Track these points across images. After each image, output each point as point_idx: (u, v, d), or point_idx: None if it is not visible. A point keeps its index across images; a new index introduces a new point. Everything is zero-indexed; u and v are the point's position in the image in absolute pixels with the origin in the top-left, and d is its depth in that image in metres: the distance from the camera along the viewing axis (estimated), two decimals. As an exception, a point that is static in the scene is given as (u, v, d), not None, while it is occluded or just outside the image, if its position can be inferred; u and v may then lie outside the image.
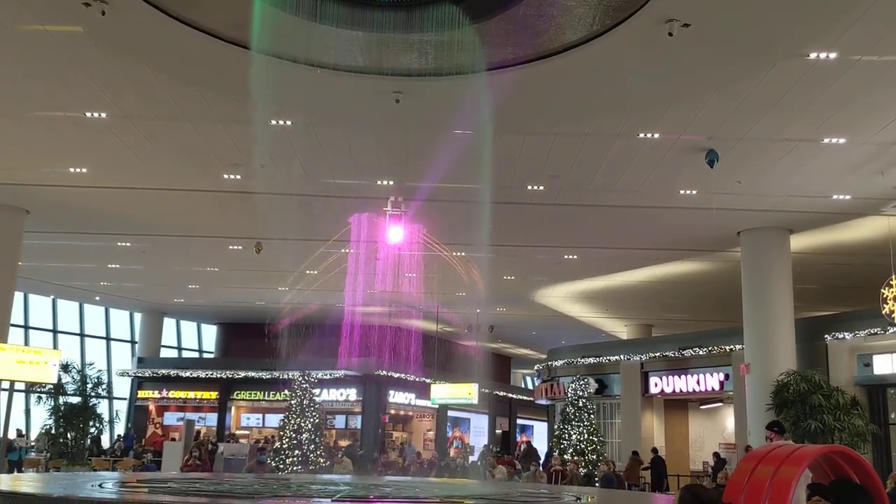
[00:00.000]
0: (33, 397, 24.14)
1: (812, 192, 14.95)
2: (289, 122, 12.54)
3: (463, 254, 20.70)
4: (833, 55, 9.79)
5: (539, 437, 38.85)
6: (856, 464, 4.00)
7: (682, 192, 15.11)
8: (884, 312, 14.62)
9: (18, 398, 25.96)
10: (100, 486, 6.96)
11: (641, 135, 12.58)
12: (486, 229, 18.14)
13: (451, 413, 33.56)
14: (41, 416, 23.52)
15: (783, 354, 16.98)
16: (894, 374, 17.79)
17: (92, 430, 23.25)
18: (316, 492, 7.77)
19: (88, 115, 12.38)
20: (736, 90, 10.96)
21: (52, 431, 21.78)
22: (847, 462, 3.99)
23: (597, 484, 16.47)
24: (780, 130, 12.23)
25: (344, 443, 26.27)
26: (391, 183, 15.15)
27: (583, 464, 19.35)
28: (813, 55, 9.81)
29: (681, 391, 23.14)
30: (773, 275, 17.25)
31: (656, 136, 12.59)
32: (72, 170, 14.93)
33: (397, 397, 30.99)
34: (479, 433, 35.26)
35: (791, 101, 11.25)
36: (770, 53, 9.92)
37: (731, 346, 20.59)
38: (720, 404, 23.92)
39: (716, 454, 20.78)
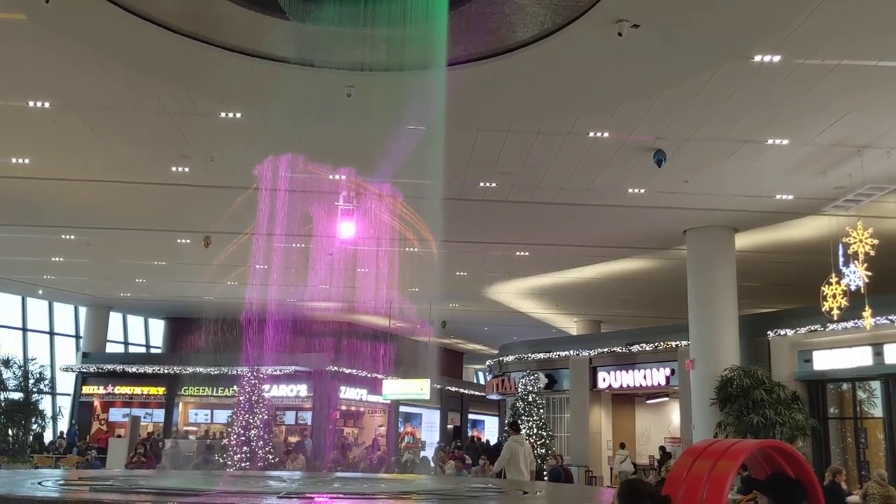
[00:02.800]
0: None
1: (756, 191, 15.30)
2: (238, 115, 12.40)
3: (416, 249, 20.72)
4: (777, 58, 10.02)
5: (490, 431, 39.11)
6: (791, 458, 4.11)
7: (630, 190, 15.33)
8: (823, 310, 15.01)
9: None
10: (40, 483, 6.82)
11: (592, 133, 12.73)
12: (439, 225, 18.19)
13: (402, 409, 33.57)
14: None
15: (727, 350, 17.36)
16: (833, 370, 18.30)
17: (34, 426, 22.75)
18: (263, 488, 7.72)
19: (31, 104, 12.07)
20: (683, 91, 11.15)
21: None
22: (782, 457, 4.11)
23: (545, 478, 16.65)
24: (725, 131, 12.48)
25: (294, 438, 26.07)
26: (343, 178, 15.08)
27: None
28: (758, 58, 10.03)
29: (628, 386, 23.50)
30: (717, 272, 17.61)
31: (606, 135, 12.75)
32: (14, 160, 14.56)
33: (349, 393, 30.88)
34: (430, 428, 35.37)
35: (736, 103, 11.49)
36: (716, 55, 10.11)
37: (677, 342, 20.96)
38: (666, 399, 24.36)
39: (661, 448, 21.18)
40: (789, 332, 18.68)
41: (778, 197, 15.58)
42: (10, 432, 21.47)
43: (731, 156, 13.48)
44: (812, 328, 18.02)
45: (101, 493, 6.29)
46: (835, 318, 15.11)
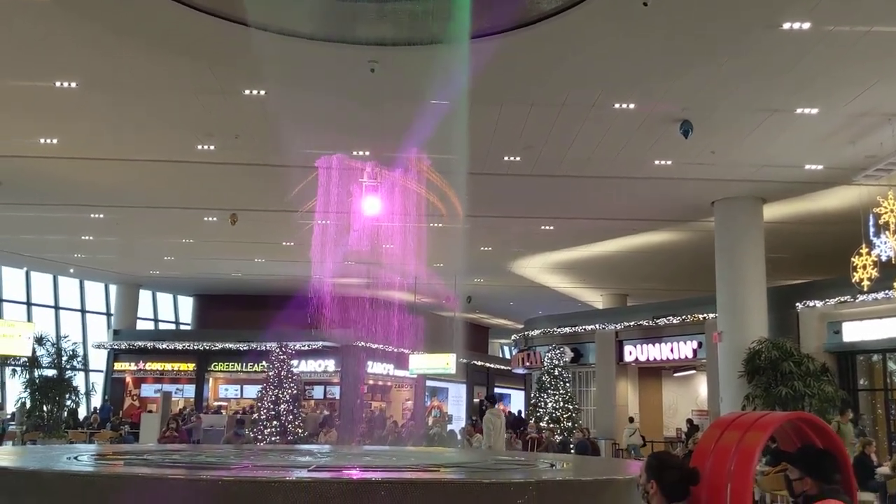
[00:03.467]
0: (8, 370, 23.97)
1: (785, 162, 15.08)
2: (262, 92, 12.42)
3: (440, 225, 20.72)
4: (806, 25, 9.84)
5: (516, 405, 39.26)
6: (820, 430, 4.09)
7: (656, 162, 15.19)
8: (853, 281, 14.84)
9: (-8, 371, 25.89)
10: (76, 458, 6.96)
11: (617, 105, 12.60)
12: (464, 200, 18.16)
13: (429, 383, 33.78)
14: (16, 390, 23.42)
15: (755, 322, 17.23)
16: (863, 341, 18.12)
17: (68, 402, 23.18)
18: (293, 461, 7.83)
19: (58, 84, 12.17)
20: (710, 60, 11.00)
21: (28, 404, 21.70)
22: (812, 429, 4.08)
23: (572, 450, 16.71)
24: (753, 101, 12.31)
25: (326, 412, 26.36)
26: (367, 153, 15.09)
27: (558, 431, 19.60)
28: (787, 25, 9.86)
29: (655, 359, 23.45)
30: (745, 244, 17.44)
31: (632, 106, 12.62)
32: (42, 140, 14.71)
33: (376, 368, 31.11)
34: (457, 402, 35.57)
35: (765, 72, 11.31)
36: (744, 23, 9.95)
37: (705, 315, 20.85)
38: (693, 372, 24.28)
39: (689, 421, 21.14)
40: (818, 304, 18.51)
41: (807, 167, 15.36)
42: (44, 408, 21.90)
43: (760, 126, 13.29)
44: (842, 299, 17.84)
45: (135, 468, 6.42)
46: (865, 289, 14.93)
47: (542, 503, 5.56)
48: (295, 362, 21.93)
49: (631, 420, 22.08)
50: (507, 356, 43.18)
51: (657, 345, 23.21)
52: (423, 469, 6.99)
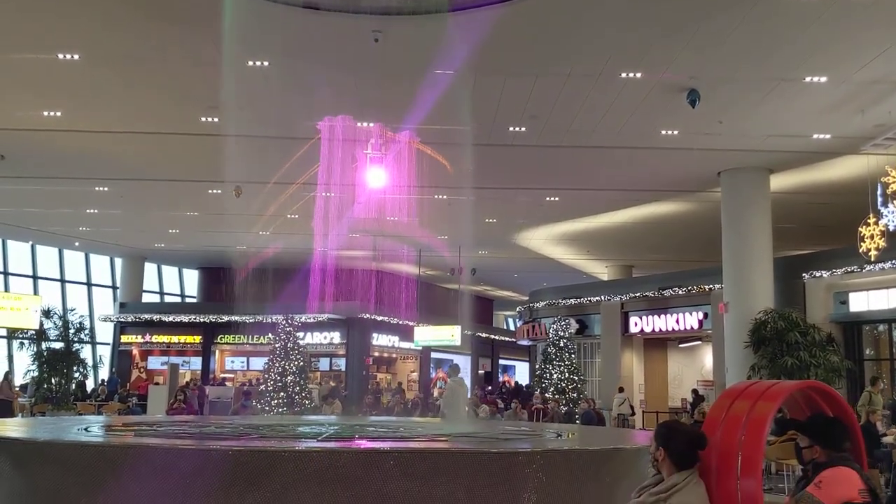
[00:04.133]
0: (15, 343, 24.09)
1: (792, 131, 14.97)
2: (266, 63, 12.33)
3: (445, 197, 20.66)
4: (816, -8, 9.71)
5: (521, 376, 39.44)
6: (830, 398, 4.08)
7: (663, 132, 15.08)
8: (860, 251, 14.79)
9: (0, 344, 26.03)
10: (86, 429, 7.01)
11: (624, 74, 12.49)
12: (468, 171, 18.09)
13: (434, 355, 33.92)
14: (24, 362, 23.56)
15: (761, 293, 17.21)
16: (869, 312, 18.11)
17: (76, 374, 23.32)
18: (301, 433, 7.87)
19: (61, 56, 12.10)
20: (718, 29, 10.87)
21: (36, 377, 21.83)
22: (822, 397, 4.08)
23: (577, 421, 16.79)
24: (761, 70, 12.19)
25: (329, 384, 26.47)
26: (371, 125, 15.00)
27: (563, 402, 19.70)
28: (796, -8, 9.73)
29: (660, 330, 23.47)
30: (752, 215, 17.38)
31: (638, 75, 12.51)
32: (46, 113, 14.65)
33: (381, 340, 31.25)
34: (462, 374, 35.69)
35: (773, 40, 11.19)
36: (753, -9, 9.83)
37: (710, 286, 20.83)
38: (699, 343, 24.31)
39: (694, 391, 21.20)
40: (825, 274, 18.47)
41: (815, 136, 15.24)
42: (52, 381, 22.04)
43: (767, 95, 13.17)
44: (849, 269, 17.80)
45: (145, 438, 6.45)
46: (872, 259, 14.91)
47: (549, 472, 5.59)
48: (301, 334, 21.99)
49: (620, 390, 22.20)
50: (512, 328, 43.30)
51: (663, 316, 23.22)
52: (431, 439, 7.03)
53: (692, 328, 22.51)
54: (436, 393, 29.65)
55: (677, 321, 22.76)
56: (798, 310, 17.61)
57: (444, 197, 20.63)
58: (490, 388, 31.07)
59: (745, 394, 3.71)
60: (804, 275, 18.85)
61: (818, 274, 18.62)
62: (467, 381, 33.88)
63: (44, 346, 22.35)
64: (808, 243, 22.98)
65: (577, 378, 21.94)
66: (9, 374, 21.01)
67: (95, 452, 5.63)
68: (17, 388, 21.77)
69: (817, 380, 16.19)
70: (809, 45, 11.33)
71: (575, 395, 21.06)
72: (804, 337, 16.48)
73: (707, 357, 23.36)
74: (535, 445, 6.53)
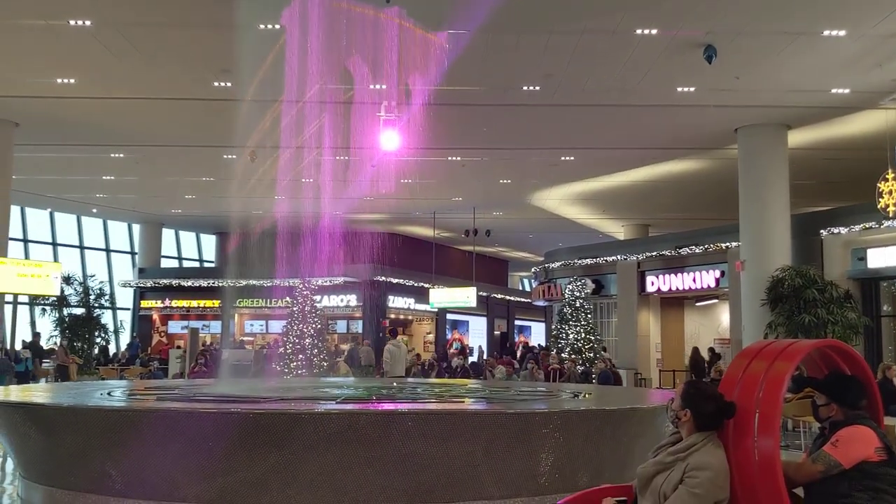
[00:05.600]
0: (37, 310, 24.42)
1: (810, 86, 14.75)
2: (277, 27, 12.24)
3: (459, 158, 20.58)
4: (836, -57, 9.50)
5: (537, 337, 39.61)
6: (848, 356, 4.07)
7: (679, 89, 14.91)
8: (879, 206, 14.65)
9: (23, 311, 26.34)
10: (109, 394, 7.12)
11: (639, 31, 12.31)
12: (482, 132, 17.97)
13: (449, 316, 34.09)
14: (47, 329, 23.90)
15: (778, 250, 17.12)
16: (888, 268, 17.97)
17: (98, 340, 23.63)
18: (320, 395, 7.96)
19: (72, 23, 12.07)
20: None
21: (66, 344, 22.15)
22: (839, 355, 4.07)
23: (594, 381, 16.87)
24: (779, 24, 11.98)
25: (345, 346, 26.72)
26: (384, 87, 14.90)
27: (580, 362, 19.77)
28: (815, -57, 9.52)
29: (677, 289, 23.42)
30: (769, 171, 17.21)
31: (653, 32, 12.33)
32: (59, 80, 14.67)
33: (397, 302, 31.42)
34: (477, 335, 35.91)
35: (791, -7, 10.99)
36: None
37: (727, 244, 20.73)
38: (715, 301, 24.27)
39: (711, 349, 21.21)
40: (843, 231, 18.31)
41: (833, 91, 15.02)
42: (75, 346, 22.35)
43: (785, 49, 12.96)
44: (867, 225, 17.62)
45: (167, 402, 6.55)
46: (890, 214, 14.77)
47: (566, 432, 5.63)
48: (318, 297, 22.13)
49: (604, 349, 22.44)
50: (528, 289, 43.36)
51: (679, 275, 23.15)
52: (449, 400, 7.09)
53: (709, 286, 22.45)
54: (451, 353, 29.91)
55: (694, 280, 22.70)
56: (815, 267, 17.50)
57: (458, 158, 20.57)
58: (501, 351, 31.26)
59: (762, 353, 3.70)
60: (822, 231, 18.70)
61: (836, 230, 18.46)
62: (484, 343, 34.25)
63: (65, 312, 22.62)
64: (826, 200, 22.78)
65: (593, 338, 21.98)
66: (63, 342, 21.44)
67: (118, 417, 5.73)
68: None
69: (835, 337, 16.18)
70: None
71: (591, 355, 21.12)
72: (822, 294, 16.40)
73: (724, 315, 23.33)
74: (552, 406, 6.59)
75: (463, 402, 6.85)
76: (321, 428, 5.20)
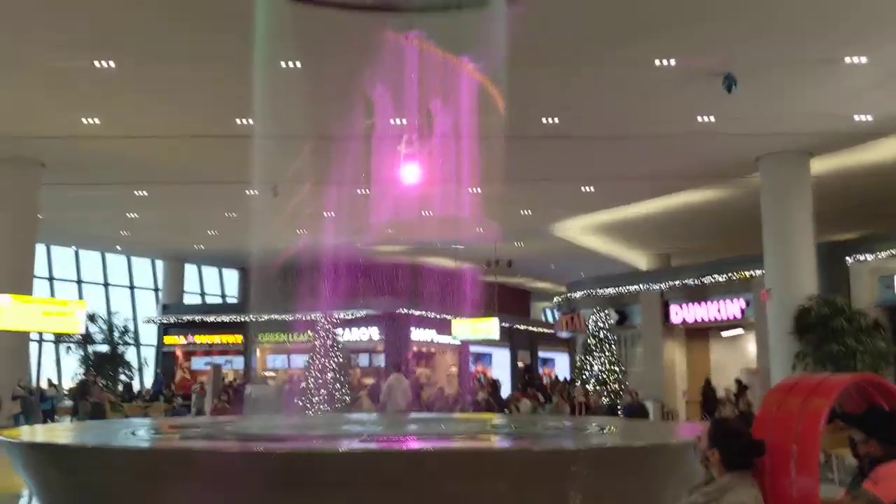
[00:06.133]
0: (63, 347, 24.58)
1: (833, 113, 14.67)
2: (298, 64, 12.38)
3: (479, 191, 20.59)
4: (856, -29, 9.49)
5: (560, 368, 39.28)
6: (886, 391, 3.97)
7: (699, 118, 14.87)
8: (907, 233, 14.48)
9: (48, 348, 26.56)
10: (133, 433, 7.11)
11: (658, 62, 12.32)
12: (503, 165, 17.97)
13: (472, 348, 33.88)
14: (72, 366, 24.05)
15: (804, 279, 16.91)
16: (917, 295, 17.71)
17: (122, 376, 23.73)
18: (343, 432, 7.90)
19: (97, 64, 12.28)
20: (754, 10, 10.67)
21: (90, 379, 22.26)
22: (877, 390, 3.97)
23: (620, 414, 16.64)
24: (799, 51, 11.96)
25: (368, 381, 26.64)
26: (404, 122, 14.98)
27: (605, 394, 19.56)
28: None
29: (702, 319, 23.16)
30: (793, 200, 17.09)
31: (673, 62, 12.34)
32: (84, 120, 14.89)
33: (419, 334, 31.29)
34: (501, 367, 35.66)
35: (811, 20, 10.98)
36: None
37: (752, 273, 20.50)
38: (741, 331, 23.96)
39: (738, 381, 20.90)
40: (870, 258, 18.08)
41: (856, 118, 14.92)
42: (99, 383, 22.42)
43: (806, 77, 12.93)
44: (893, 253, 17.40)
45: (191, 441, 6.52)
46: (919, 241, 14.56)
47: (595, 469, 5.53)
48: (339, 331, 22.12)
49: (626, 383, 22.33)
50: (550, 320, 43.08)
51: (704, 305, 22.91)
52: (475, 437, 7.01)
53: (734, 316, 22.19)
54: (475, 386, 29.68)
55: (719, 310, 22.45)
56: (843, 295, 17.28)
57: (479, 191, 20.57)
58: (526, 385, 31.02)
59: (795, 389, 3.62)
60: (848, 259, 18.47)
61: (862, 258, 18.23)
62: (506, 377, 33.99)
63: (90, 349, 22.76)
64: (851, 227, 22.52)
65: (618, 369, 21.75)
66: (98, 379, 21.60)
67: (144, 457, 5.70)
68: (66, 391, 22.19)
69: (864, 367, 15.91)
70: (851, 26, 11.12)
71: (616, 386, 20.88)
72: (850, 323, 16.18)
73: (750, 345, 23.02)
74: (580, 443, 6.48)
75: (489, 439, 6.78)
76: (346, 467, 5.14)
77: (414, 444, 6.10)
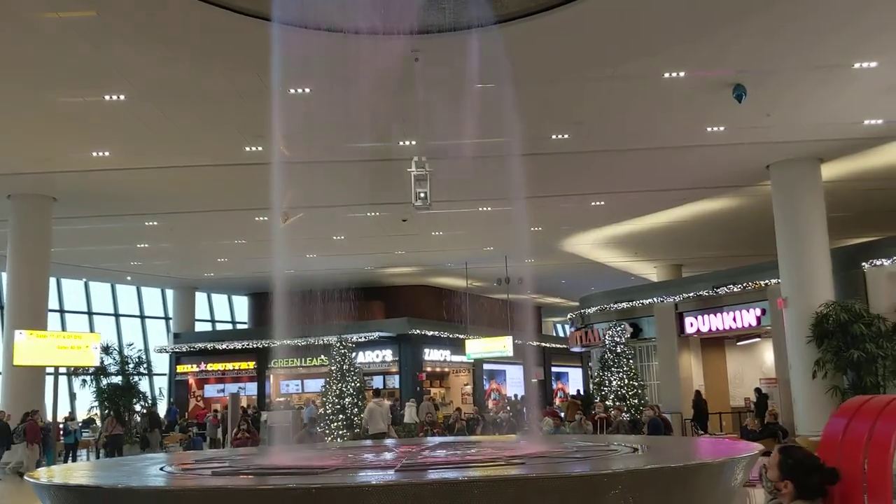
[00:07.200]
0: (77, 381, 24.51)
1: (843, 119, 14.63)
2: (307, 90, 12.38)
3: (489, 209, 20.55)
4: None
5: (574, 383, 39.07)
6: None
7: (709, 129, 14.84)
8: (922, 236, 14.36)
9: (62, 381, 26.47)
10: (161, 469, 6.99)
11: (667, 74, 12.30)
12: (513, 182, 17.93)
13: (486, 366, 33.73)
14: (86, 399, 23.97)
15: (820, 285, 16.79)
16: (935, 298, 17.54)
17: (137, 407, 23.62)
18: (372, 461, 7.79)
19: (107, 97, 12.31)
20: (762, 19, 10.64)
21: (98, 413, 22.17)
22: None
23: (644, 430, 16.46)
24: (808, 58, 11.93)
25: (386, 403, 26.47)
26: (413, 143, 14.97)
27: (625, 409, 19.38)
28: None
29: (717, 329, 22.98)
30: (805, 205, 17.00)
31: (682, 74, 12.32)
32: (94, 153, 14.93)
33: (432, 355, 31.16)
34: (515, 384, 35.47)
35: (819, 27, 10.94)
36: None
37: (766, 281, 20.36)
38: (758, 340, 23.78)
39: (757, 390, 20.73)
40: (886, 262, 17.93)
41: (866, 122, 14.88)
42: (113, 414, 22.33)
43: (816, 84, 12.89)
44: (910, 255, 17.28)
45: (223, 478, 6.42)
46: (935, 243, 14.44)
47: (637, 492, 5.41)
48: (354, 354, 22.03)
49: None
50: (562, 334, 42.91)
51: (719, 315, 22.74)
52: (508, 462, 6.89)
53: (750, 325, 22.00)
54: (490, 405, 29.50)
55: (734, 319, 22.27)
56: (860, 300, 17.13)
57: (489, 209, 20.54)
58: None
59: (861, 412, 3.53)
60: (864, 264, 18.32)
61: (878, 262, 18.08)
62: (521, 392, 33.82)
63: (104, 381, 22.68)
64: (866, 231, 22.41)
65: (636, 384, 21.57)
66: (118, 411, 21.60)
67: (175, 498, 5.60)
68: (80, 425, 22.08)
69: (885, 372, 15.76)
70: (860, 32, 11.08)
71: (636, 401, 20.70)
72: (869, 328, 16.04)
73: (767, 354, 22.83)
74: (618, 465, 6.37)
75: (524, 463, 6.67)
76: (384, 500, 5.04)
77: (453, 475, 6.00)
